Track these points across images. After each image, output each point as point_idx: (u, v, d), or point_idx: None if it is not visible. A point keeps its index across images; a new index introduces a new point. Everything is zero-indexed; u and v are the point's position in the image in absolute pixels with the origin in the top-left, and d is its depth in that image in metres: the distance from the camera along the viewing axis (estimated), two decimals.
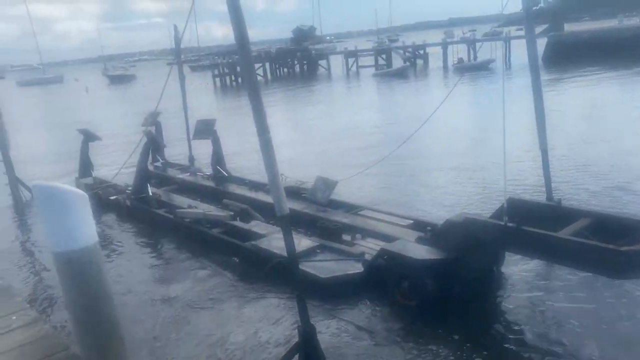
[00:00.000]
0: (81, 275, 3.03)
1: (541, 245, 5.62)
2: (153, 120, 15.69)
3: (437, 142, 16.13)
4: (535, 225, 5.67)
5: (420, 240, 7.22)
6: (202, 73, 79.19)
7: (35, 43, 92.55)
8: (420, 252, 6.59)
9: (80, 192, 3.37)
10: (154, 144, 12.35)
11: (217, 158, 13.36)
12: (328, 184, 9.84)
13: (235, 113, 28.81)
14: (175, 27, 17.16)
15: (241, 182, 12.93)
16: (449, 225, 6.56)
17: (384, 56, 50.20)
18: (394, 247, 6.79)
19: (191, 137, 13.76)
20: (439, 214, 9.50)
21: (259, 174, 13.11)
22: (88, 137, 14.40)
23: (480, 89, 29.27)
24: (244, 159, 16.00)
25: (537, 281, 6.98)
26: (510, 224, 5.69)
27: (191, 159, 15.86)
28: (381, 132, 19.30)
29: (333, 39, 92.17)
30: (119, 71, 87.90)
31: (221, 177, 13.28)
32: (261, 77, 55.10)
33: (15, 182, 14.05)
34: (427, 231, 7.91)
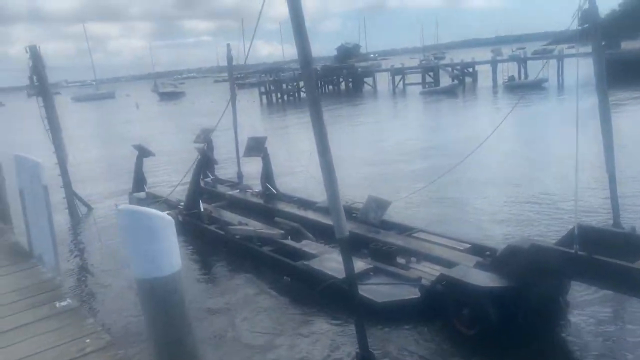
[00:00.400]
0: (164, 304, 2.95)
1: (615, 276, 5.28)
2: (205, 137, 15.92)
3: (493, 164, 15.60)
4: (607, 254, 5.34)
5: (479, 266, 6.93)
6: (249, 90, 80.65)
7: (89, 60, 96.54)
8: (482, 278, 6.31)
9: (167, 217, 3.26)
10: (206, 161, 12.47)
11: (267, 175, 13.38)
12: (380, 204, 9.66)
13: (282, 130, 29.07)
14: (228, 46, 17.51)
15: (290, 199, 12.90)
16: (511, 251, 6.27)
17: (431, 74, 49.80)
18: (453, 272, 6.55)
19: (242, 154, 13.84)
20: (496, 237, 9.18)
21: (306, 192, 13.16)
22: (142, 152, 14.72)
23: (536, 108, 28.25)
24: (292, 177, 16.01)
25: (606, 313, 6.58)
26: (581, 253, 5.38)
27: (240, 175, 15.99)
28: (433, 152, 18.93)
29: (377, 56, 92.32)
30: (168, 88, 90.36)
31: (270, 194, 13.28)
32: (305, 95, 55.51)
33: (71, 197, 14.45)
34: (486, 256, 7.61)
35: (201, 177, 15.47)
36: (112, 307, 7.96)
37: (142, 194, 14.63)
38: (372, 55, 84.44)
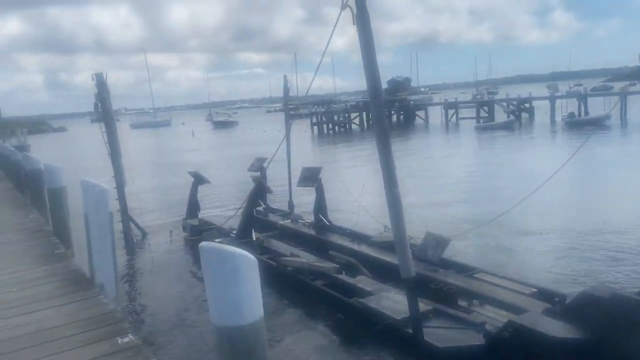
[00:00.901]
0: (245, 355, 2.69)
1: None
2: (259, 166, 16.01)
3: (557, 204, 14.85)
4: None
5: (549, 313, 6.44)
6: (300, 121, 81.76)
7: (147, 89, 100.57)
8: (555, 328, 5.83)
9: (251, 257, 3.03)
10: (261, 190, 12.44)
11: (319, 206, 13.21)
12: (440, 241, 9.25)
13: (333, 161, 28.95)
14: (285, 77, 17.71)
15: (342, 232, 12.64)
16: (588, 299, 5.78)
17: (486, 108, 48.94)
18: (523, 320, 6.09)
19: (294, 183, 13.75)
20: (564, 280, 8.61)
21: (358, 225, 12.87)
22: (198, 179, 14.89)
23: (601, 147, 26.86)
24: (343, 208, 15.75)
25: None
26: None
27: (291, 205, 15.90)
28: (491, 188, 18.29)
29: (428, 90, 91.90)
30: (222, 117, 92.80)
31: (322, 225, 13.08)
32: (357, 126, 55.72)
33: (127, 222, 14.67)
34: (555, 302, 7.10)
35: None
36: (176, 349, 7.58)
37: (195, 221, 14.74)
38: (422, 89, 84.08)
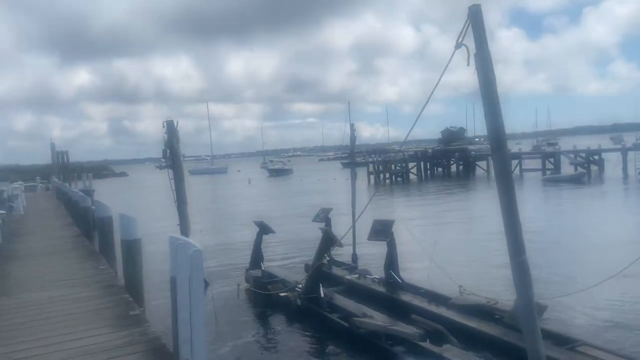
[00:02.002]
0: None
1: None
2: (325, 217, 15.46)
3: None
4: None
5: None
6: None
7: (203, 137, 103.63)
8: None
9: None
10: (330, 243, 11.80)
11: (391, 262, 12.38)
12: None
13: (395, 212, 27.95)
14: (352, 126, 17.28)
15: (417, 291, 11.72)
16: None
17: (551, 160, 46.96)
18: None
19: (358, 234, 13.02)
20: None
21: (430, 284, 11.98)
22: (263, 229, 14.44)
23: None
24: (412, 265, 14.81)
25: None
26: None
27: (354, 258, 15.17)
28: (575, 250, 16.81)
29: (483, 140, 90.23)
30: (277, 165, 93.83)
31: (394, 283, 12.23)
32: (414, 176, 54.73)
33: None
34: None
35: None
36: None
37: (258, 272, 14.21)
38: (477, 140, 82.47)
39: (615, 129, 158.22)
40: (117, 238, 9.18)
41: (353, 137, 17.22)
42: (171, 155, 14.54)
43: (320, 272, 11.95)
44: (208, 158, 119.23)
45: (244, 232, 22.81)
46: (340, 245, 12.21)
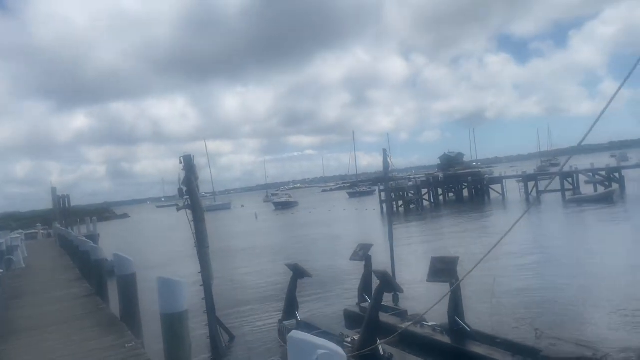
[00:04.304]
0: None
1: None
2: (364, 254, 13.74)
3: None
4: None
5: None
6: (361, 199, 79.75)
7: (203, 174, 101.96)
8: None
9: (340, 351, 2.73)
10: (388, 287, 10.04)
11: (456, 307, 10.59)
12: None
13: (420, 242, 26.20)
14: (385, 151, 15.79)
15: (490, 341, 9.92)
16: None
17: (569, 180, 45.25)
18: None
19: (426, 278, 11.21)
20: None
21: (493, 327, 10.32)
22: (298, 273, 12.70)
23: None
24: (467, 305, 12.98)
25: None
26: None
27: (395, 299, 13.46)
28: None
29: (480, 164, 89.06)
30: (283, 198, 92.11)
31: (460, 331, 10.41)
32: (427, 202, 53.01)
33: (215, 325, 12.52)
34: None
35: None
36: None
37: (293, 322, 12.39)
38: (474, 164, 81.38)
39: (612, 147, 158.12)
40: (143, 300, 7.48)
41: (386, 164, 15.69)
42: (189, 194, 12.93)
43: (377, 323, 10.19)
44: (208, 195, 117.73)
45: (267, 272, 21.04)
46: (401, 291, 10.45)
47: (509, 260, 18.71)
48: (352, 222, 41.75)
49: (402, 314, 12.55)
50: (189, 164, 12.76)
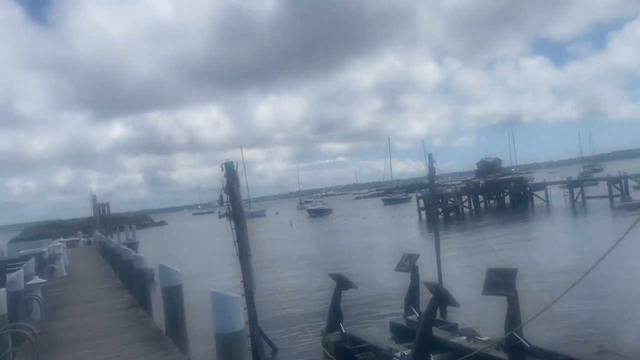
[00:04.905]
0: None
1: None
2: (410, 265, 13.17)
3: None
4: None
5: None
6: (396, 206, 78.71)
7: (242, 181, 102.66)
8: None
9: None
10: (442, 300, 9.47)
11: (514, 321, 9.90)
12: None
13: (469, 254, 25.17)
14: (430, 156, 15.21)
15: (552, 357, 9.24)
16: None
17: (617, 185, 43.38)
18: None
19: (482, 291, 10.56)
20: None
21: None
22: (342, 284, 12.22)
23: None
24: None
25: None
26: None
27: (443, 311, 12.80)
28: None
29: (518, 170, 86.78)
30: (317, 205, 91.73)
31: (518, 347, 9.73)
32: (467, 209, 51.79)
33: (258, 336, 12.10)
34: None
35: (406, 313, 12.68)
36: None
37: (336, 335, 11.91)
38: (512, 170, 79.21)
39: None
40: (191, 315, 7.14)
41: (432, 170, 15.08)
42: (231, 201, 12.61)
43: (431, 338, 9.63)
44: (243, 202, 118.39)
45: (308, 282, 20.60)
46: (457, 305, 9.85)
47: (566, 271, 17.76)
48: (390, 230, 40.99)
49: (452, 328, 11.91)
50: (230, 170, 12.44)
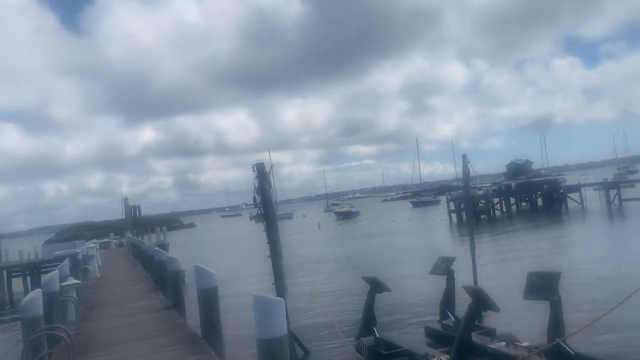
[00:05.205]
0: None
1: None
2: (446, 268, 12.83)
3: None
4: None
5: None
6: (425, 209, 77.79)
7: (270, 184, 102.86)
8: None
9: None
10: (484, 307, 9.14)
11: (556, 327, 9.52)
12: None
13: (504, 259, 24.44)
14: (465, 157, 14.85)
15: None
16: None
17: None
18: None
19: (523, 295, 10.17)
20: None
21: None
22: (376, 287, 11.97)
23: None
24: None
25: None
26: None
27: (479, 316, 12.35)
28: None
29: (549, 172, 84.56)
30: (344, 208, 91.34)
31: (562, 353, 9.33)
32: (499, 212, 50.79)
33: (291, 339, 11.94)
34: None
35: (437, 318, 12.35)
36: None
37: (370, 339, 11.66)
38: (542, 171, 77.21)
39: None
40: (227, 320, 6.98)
41: (466, 171, 14.70)
42: (263, 203, 12.50)
43: (470, 344, 9.30)
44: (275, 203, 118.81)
45: (337, 285, 20.32)
46: (498, 310, 9.50)
47: (609, 277, 17.14)
48: (420, 233, 40.44)
49: (490, 333, 11.55)
50: (262, 171, 12.34)
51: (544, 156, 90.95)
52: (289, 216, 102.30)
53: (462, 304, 12.93)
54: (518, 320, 12.79)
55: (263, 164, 12.50)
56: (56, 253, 22.98)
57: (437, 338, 12.22)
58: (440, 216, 51.22)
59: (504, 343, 10.71)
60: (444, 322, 12.53)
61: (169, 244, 32.78)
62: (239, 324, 13.76)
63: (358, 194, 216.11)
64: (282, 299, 3.83)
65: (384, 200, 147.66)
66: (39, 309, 6.48)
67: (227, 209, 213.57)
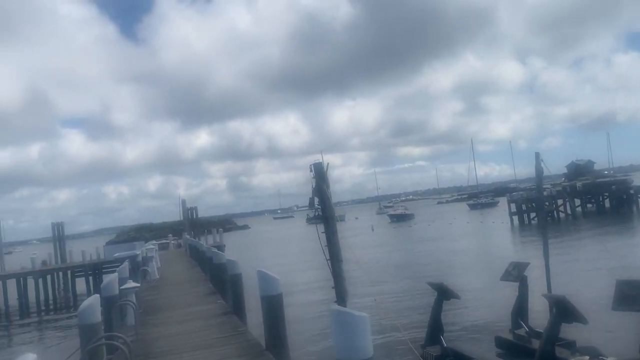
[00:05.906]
0: None
1: None
2: (518, 274, 11.94)
3: None
4: None
5: None
6: (482, 211, 75.47)
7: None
8: None
9: None
10: (569, 317, 8.30)
11: None
12: None
13: (570, 261, 23.07)
14: (537, 155, 13.85)
15: None
16: None
17: None
18: None
19: (612, 306, 9.21)
20: None
21: None
22: (443, 293, 11.25)
23: None
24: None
25: None
26: None
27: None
28: None
29: (612, 172, 79.76)
30: (399, 210, 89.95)
31: None
32: (564, 215, 48.40)
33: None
34: None
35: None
36: None
37: (437, 349, 10.97)
38: (605, 172, 72.96)
39: None
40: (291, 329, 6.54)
41: (539, 170, 13.76)
42: (322, 204, 12.00)
43: (551, 357, 8.47)
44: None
45: (403, 288, 19.63)
46: (586, 322, 8.63)
47: None
48: (480, 236, 38.94)
49: (570, 345, 10.59)
50: (319, 171, 11.84)
51: (610, 156, 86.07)
52: (341, 218, 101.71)
53: (536, 312, 12.05)
54: (599, 332, 11.73)
55: (321, 163, 12.00)
56: (116, 255, 23.31)
57: (508, 348, 11.41)
58: (500, 218, 49.34)
59: (587, 357, 9.80)
60: (516, 331, 11.66)
61: (225, 245, 32.95)
62: (300, 333, 13.30)
63: (411, 196, 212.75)
64: (365, 315, 3.28)
65: (438, 203, 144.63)
66: (97, 316, 6.23)
67: (279, 211, 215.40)
